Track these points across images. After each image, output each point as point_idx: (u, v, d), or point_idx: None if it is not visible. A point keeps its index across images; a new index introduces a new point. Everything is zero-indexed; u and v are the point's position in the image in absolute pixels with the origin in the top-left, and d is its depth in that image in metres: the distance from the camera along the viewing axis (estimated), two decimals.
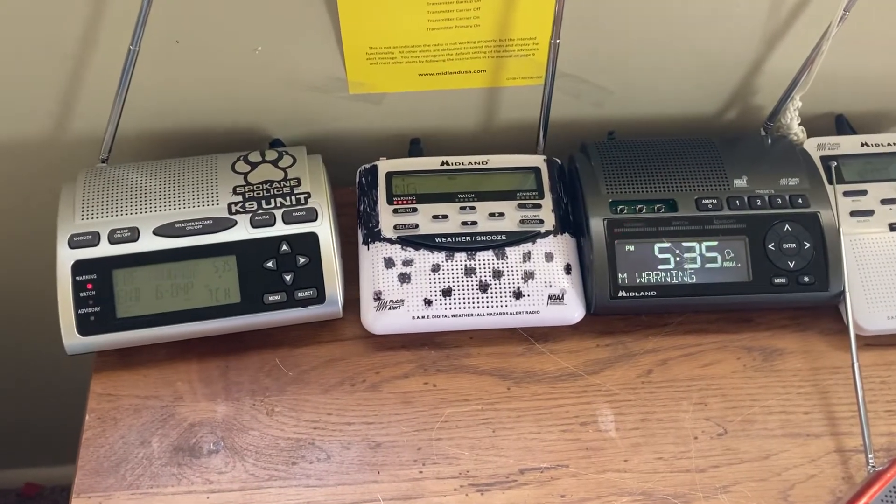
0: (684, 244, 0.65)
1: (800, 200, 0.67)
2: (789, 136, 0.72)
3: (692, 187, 0.67)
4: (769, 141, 0.72)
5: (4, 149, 0.74)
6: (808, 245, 0.66)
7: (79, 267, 0.62)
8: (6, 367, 1.04)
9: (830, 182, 0.69)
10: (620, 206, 0.66)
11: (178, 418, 0.63)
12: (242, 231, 0.64)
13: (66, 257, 0.62)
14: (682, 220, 0.66)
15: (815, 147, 0.72)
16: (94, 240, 0.63)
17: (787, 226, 0.66)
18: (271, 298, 0.63)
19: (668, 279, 0.65)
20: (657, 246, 0.65)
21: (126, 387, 0.64)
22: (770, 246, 0.66)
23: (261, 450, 0.61)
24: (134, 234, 0.63)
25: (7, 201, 0.80)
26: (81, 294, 0.62)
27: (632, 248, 0.65)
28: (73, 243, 0.63)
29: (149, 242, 0.63)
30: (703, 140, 0.70)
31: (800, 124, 0.72)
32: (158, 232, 0.63)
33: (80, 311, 0.62)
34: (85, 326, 0.62)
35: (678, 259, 0.65)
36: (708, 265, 0.65)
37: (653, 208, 0.66)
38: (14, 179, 0.78)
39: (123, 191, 0.65)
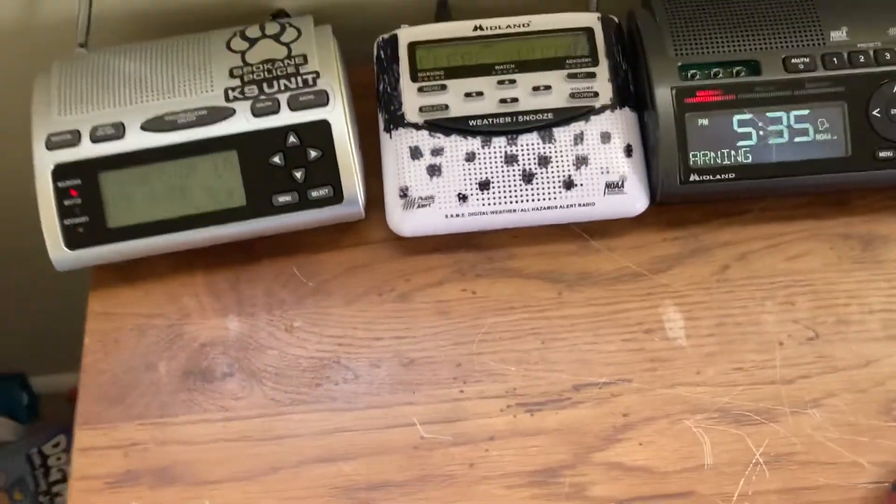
0: (769, 114, 0.56)
1: None
2: None
3: (779, 44, 0.57)
4: None
5: None
6: None
7: (60, 171, 0.55)
8: (46, 271, 1.00)
9: None
10: (692, 71, 0.57)
11: (187, 338, 0.56)
12: (242, 121, 0.55)
13: (45, 160, 0.55)
14: (767, 84, 0.56)
15: None
16: (74, 139, 0.55)
17: None
18: (281, 199, 0.55)
19: (750, 158, 0.56)
20: (737, 118, 0.56)
21: (127, 304, 0.58)
22: (875, 112, 0.56)
23: (280, 371, 0.55)
24: (119, 131, 0.55)
25: None
26: (66, 202, 0.55)
27: (706, 121, 0.56)
28: (52, 144, 0.55)
29: (137, 139, 0.55)
30: None
31: None
32: (147, 127, 0.55)
33: (65, 222, 0.55)
34: (73, 239, 0.55)
35: (761, 133, 0.56)
36: (797, 139, 0.56)
37: (731, 72, 0.57)
38: None
39: (105, 80, 0.57)
